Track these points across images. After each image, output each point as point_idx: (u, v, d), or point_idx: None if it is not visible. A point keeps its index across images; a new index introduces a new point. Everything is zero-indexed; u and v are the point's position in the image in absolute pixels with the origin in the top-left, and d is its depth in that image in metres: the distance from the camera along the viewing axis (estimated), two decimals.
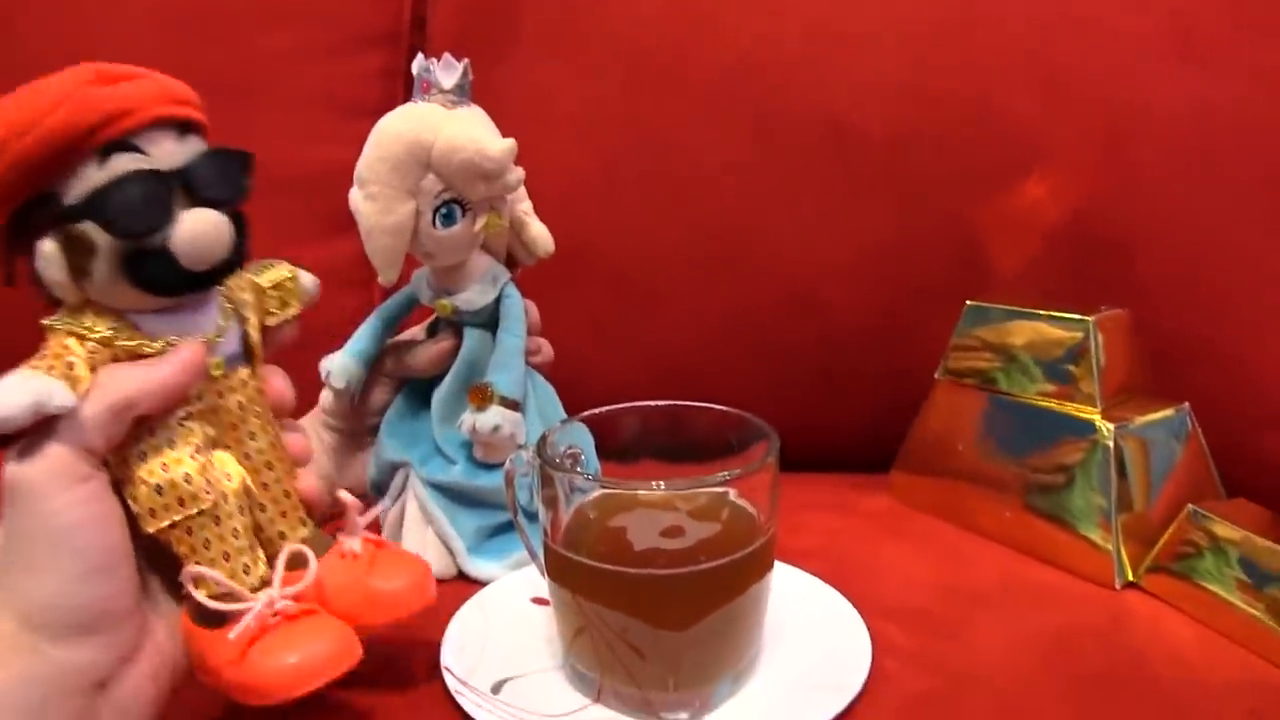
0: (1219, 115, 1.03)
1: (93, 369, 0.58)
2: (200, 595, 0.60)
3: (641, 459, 0.76)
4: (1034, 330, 0.94)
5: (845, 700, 0.68)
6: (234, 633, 0.59)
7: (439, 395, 0.91)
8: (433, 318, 0.95)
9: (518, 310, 0.90)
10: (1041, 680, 0.73)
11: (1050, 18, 1.07)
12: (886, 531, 0.98)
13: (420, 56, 0.85)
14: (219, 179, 0.60)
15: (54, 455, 0.56)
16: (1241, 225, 1.03)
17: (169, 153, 0.59)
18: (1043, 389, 0.93)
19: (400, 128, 0.83)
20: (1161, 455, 0.91)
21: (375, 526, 0.84)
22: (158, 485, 0.60)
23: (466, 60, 0.84)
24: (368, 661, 0.73)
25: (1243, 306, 1.04)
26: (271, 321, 0.69)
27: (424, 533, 0.89)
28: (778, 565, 0.79)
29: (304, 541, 0.66)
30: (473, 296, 0.89)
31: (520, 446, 0.87)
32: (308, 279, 0.72)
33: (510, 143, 0.82)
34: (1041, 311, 0.95)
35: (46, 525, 0.56)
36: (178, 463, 0.61)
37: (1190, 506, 0.85)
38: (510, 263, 0.93)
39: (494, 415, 0.85)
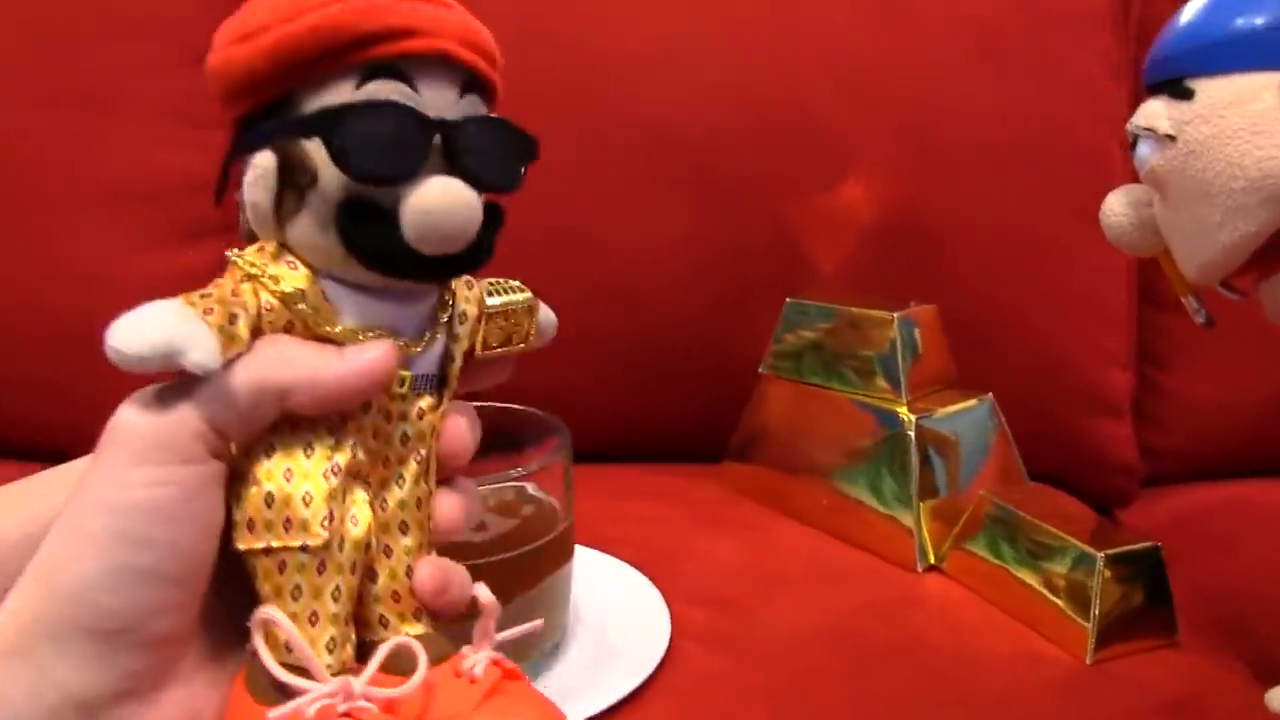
0: (1020, 112, 1.09)
1: (256, 331, 0.45)
2: (265, 652, 0.44)
3: None
4: (848, 325, 0.99)
5: (637, 680, 0.73)
6: (275, 713, 0.42)
7: None
8: None
9: None
10: (827, 658, 0.78)
11: (858, 26, 1.11)
12: (706, 520, 1.02)
13: None
14: (490, 153, 0.47)
15: (171, 418, 0.43)
16: (1044, 216, 1.09)
17: (443, 102, 0.46)
18: (858, 381, 0.98)
19: None
20: (967, 444, 0.96)
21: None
22: (270, 494, 0.45)
23: None
24: None
25: (1051, 294, 1.10)
26: (485, 354, 0.52)
27: None
28: (590, 553, 0.84)
29: (423, 643, 0.47)
30: None
31: None
32: (548, 317, 0.56)
33: None
34: (855, 308, 0.99)
35: (119, 495, 0.42)
36: (305, 477, 0.45)
37: (982, 492, 0.90)
38: None
39: None
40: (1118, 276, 1.12)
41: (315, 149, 0.43)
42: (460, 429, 0.50)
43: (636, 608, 0.83)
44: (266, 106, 0.45)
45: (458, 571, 0.49)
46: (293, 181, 0.44)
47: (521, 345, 0.54)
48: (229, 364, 0.43)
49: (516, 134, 0.48)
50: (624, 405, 1.14)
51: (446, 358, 0.50)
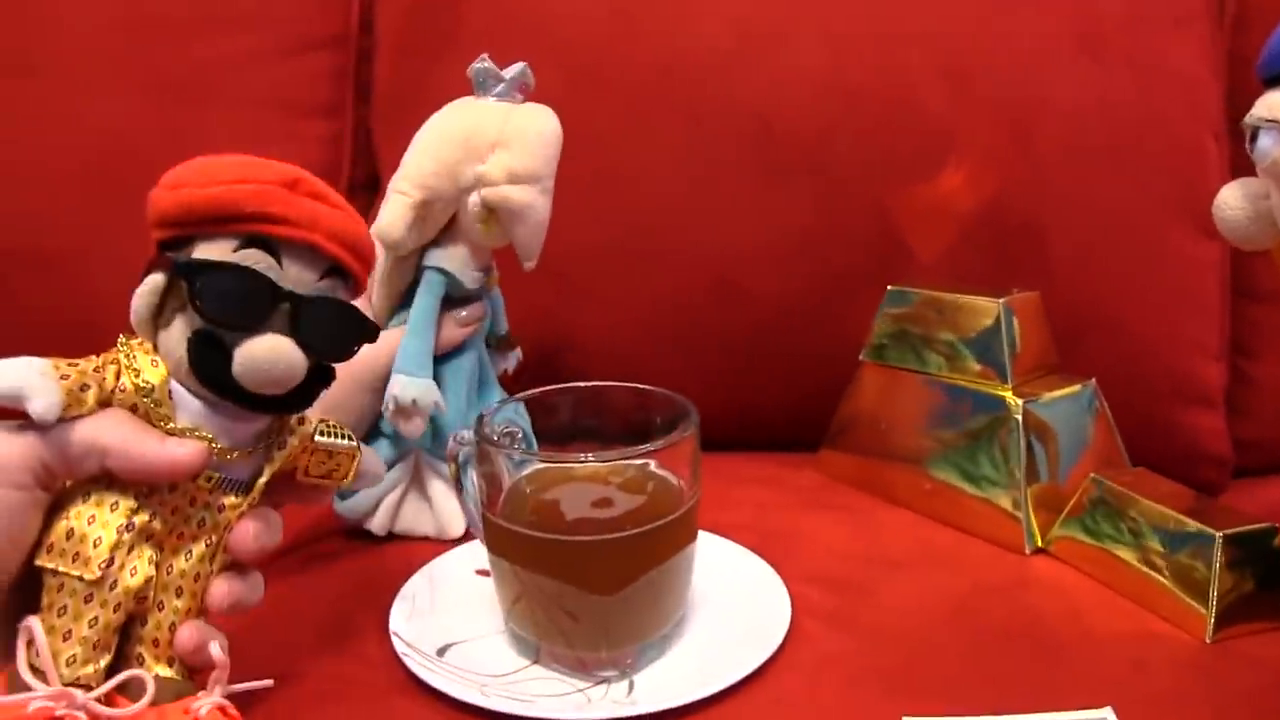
0: (1117, 105, 1.09)
1: (105, 403, 0.58)
2: (21, 652, 0.56)
3: (575, 437, 0.81)
4: (951, 312, 0.99)
5: (764, 656, 0.74)
6: None
7: (467, 370, 0.96)
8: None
9: None
10: (946, 636, 0.79)
11: (960, 18, 1.12)
12: (812, 505, 1.03)
13: (523, 65, 0.93)
14: (326, 326, 0.60)
15: (12, 449, 0.55)
16: (1142, 208, 1.10)
17: (302, 279, 0.60)
18: (959, 368, 0.98)
19: (557, 124, 0.91)
20: (1070, 429, 0.96)
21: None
22: (71, 529, 0.57)
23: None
24: (319, 627, 0.78)
25: (1145, 285, 1.10)
26: (304, 480, 0.67)
27: (451, 497, 0.94)
28: (707, 536, 0.84)
29: (160, 680, 0.60)
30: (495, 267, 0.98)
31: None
32: (371, 463, 0.70)
33: None
34: (957, 295, 0.99)
35: None
36: (103, 526, 0.58)
37: (1092, 475, 0.90)
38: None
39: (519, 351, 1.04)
40: (1210, 269, 1.12)
41: (186, 288, 0.57)
42: (247, 531, 0.62)
43: (756, 587, 0.83)
44: (178, 239, 0.59)
45: (214, 637, 0.62)
46: (170, 303, 0.58)
47: (341, 482, 0.68)
48: (71, 420, 0.56)
49: (357, 318, 0.62)
50: (725, 394, 1.15)
51: (258, 472, 0.63)
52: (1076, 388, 0.97)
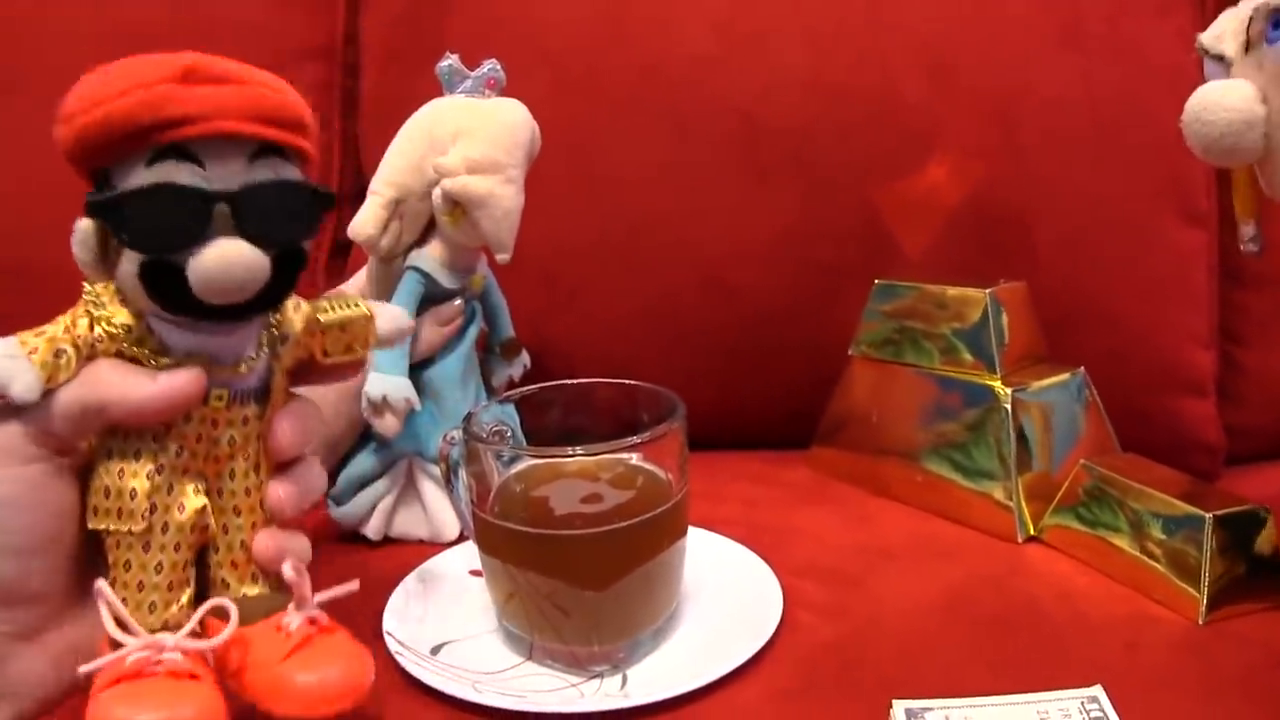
0: (1101, 95, 1.10)
1: (89, 358, 0.56)
2: (104, 611, 0.56)
3: (565, 435, 0.80)
4: (938, 304, 1.00)
5: (756, 647, 0.74)
6: (86, 668, 0.55)
7: (452, 373, 0.96)
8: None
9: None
10: (940, 625, 0.79)
11: (942, 11, 1.12)
12: (803, 499, 1.03)
13: (492, 61, 0.94)
14: (273, 213, 0.55)
15: (8, 430, 0.55)
16: (1128, 196, 1.10)
17: (230, 172, 0.54)
18: (948, 359, 0.98)
19: (524, 116, 0.92)
20: (1060, 417, 0.96)
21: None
22: (107, 487, 0.57)
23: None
24: None
25: (1133, 273, 1.10)
26: (327, 362, 0.64)
27: (445, 501, 0.94)
28: (698, 532, 0.84)
29: (248, 600, 0.61)
30: (484, 269, 0.98)
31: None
32: (387, 323, 0.67)
33: None
34: (944, 287, 1.00)
35: None
36: (133, 475, 0.57)
37: (1083, 461, 0.90)
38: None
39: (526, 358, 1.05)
40: (1197, 256, 1.12)
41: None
42: (283, 431, 0.62)
43: (748, 580, 0.83)
44: (95, 173, 0.55)
45: (292, 541, 0.62)
46: (110, 241, 0.54)
47: (363, 352, 0.66)
48: (59, 387, 0.55)
49: (304, 191, 0.57)
50: (715, 392, 1.15)
51: (269, 373, 0.62)
52: (1065, 376, 0.97)
